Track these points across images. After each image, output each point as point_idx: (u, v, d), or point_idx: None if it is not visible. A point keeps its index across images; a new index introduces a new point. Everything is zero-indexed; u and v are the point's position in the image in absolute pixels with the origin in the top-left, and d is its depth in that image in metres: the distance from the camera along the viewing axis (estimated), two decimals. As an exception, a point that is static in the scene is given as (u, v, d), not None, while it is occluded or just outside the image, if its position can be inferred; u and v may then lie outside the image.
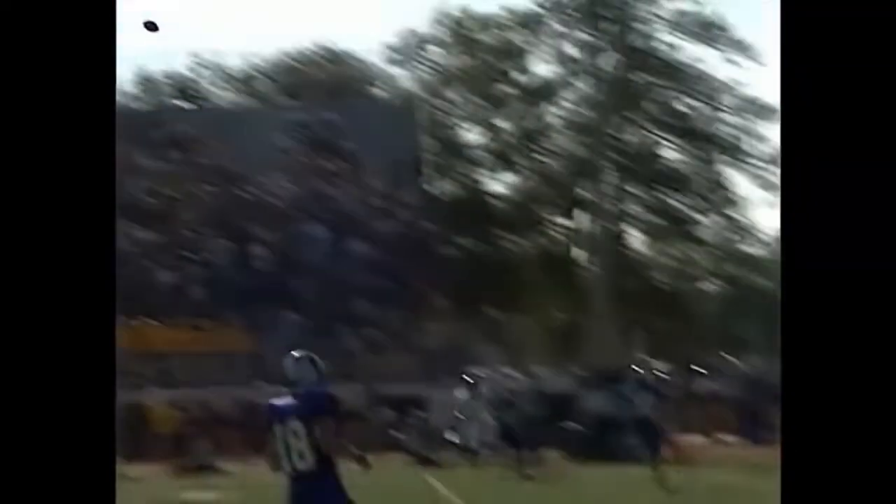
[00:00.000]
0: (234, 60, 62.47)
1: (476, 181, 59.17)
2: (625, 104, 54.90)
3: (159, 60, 76.79)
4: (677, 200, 57.16)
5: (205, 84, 60.97)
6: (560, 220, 58.65)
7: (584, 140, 54.89)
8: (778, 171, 48.13)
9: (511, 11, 56.68)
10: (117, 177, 6.85)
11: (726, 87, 55.53)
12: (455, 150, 57.99)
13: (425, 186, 44.98)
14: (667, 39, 55.65)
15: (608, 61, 54.90)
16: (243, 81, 61.25)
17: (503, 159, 58.01)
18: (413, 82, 57.98)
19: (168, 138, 44.00)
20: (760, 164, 55.68)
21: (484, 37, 57.42)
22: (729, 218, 56.96)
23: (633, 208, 57.40)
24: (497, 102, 57.52)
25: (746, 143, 55.92)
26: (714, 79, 55.55)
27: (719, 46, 54.96)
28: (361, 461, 8.51)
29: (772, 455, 24.61)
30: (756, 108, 55.48)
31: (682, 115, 56.37)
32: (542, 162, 57.68)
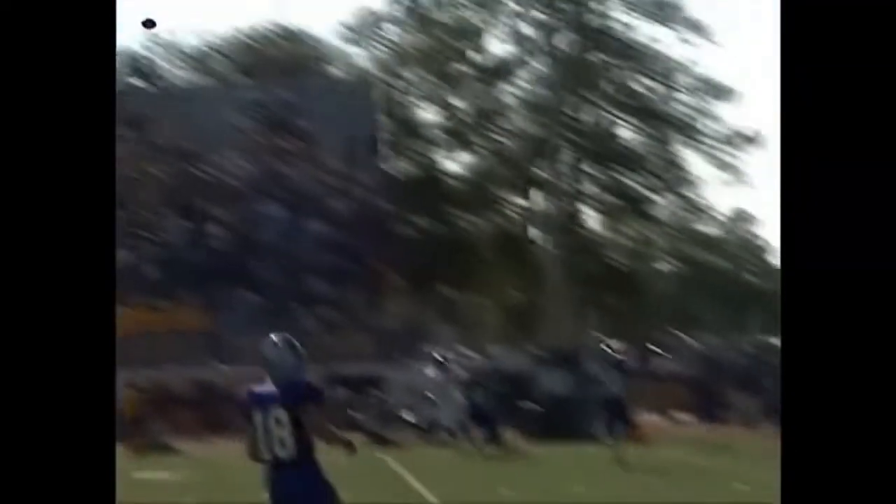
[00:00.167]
0: (190, 39, 62.10)
1: (432, 160, 59.11)
2: (580, 84, 54.96)
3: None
4: (633, 180, 57.30)
5: (160, 62, 60.59)
6: (516, 199, 58.69)
7: (540, 120, 54.92)
8: (732, 150, 48.62)
9: (467, -10, 56.61)
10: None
11: (682, 67, 55.68)
12: (411, 129, 57.89)
13: (381, 165, 44.88)
14: (622, 19, 55.75)
15: (564, 41, 54.92)
16: (199, 60, 60.89)
17: (459, 139, 57.96)
18: (369, 61, 57.81)
19: (123, 117, 43.71)
20: (715, 143, 55.90)
21: (440, 16, 57.30)
22: (684, 197, 57.17)
23: (589, 188, 57.50)
24: (453, 82, 57.44)
25: (702, 123, 56.11)
26: (669, 58, 55.69)
27: (674, 26, 55.10)
28: (348, 446, 8.45)
29: (727, 433, 24.86)
30: (711, 88, 55.67)
31: (638, 95, 56.47)
32: (498, 141, 57.66)
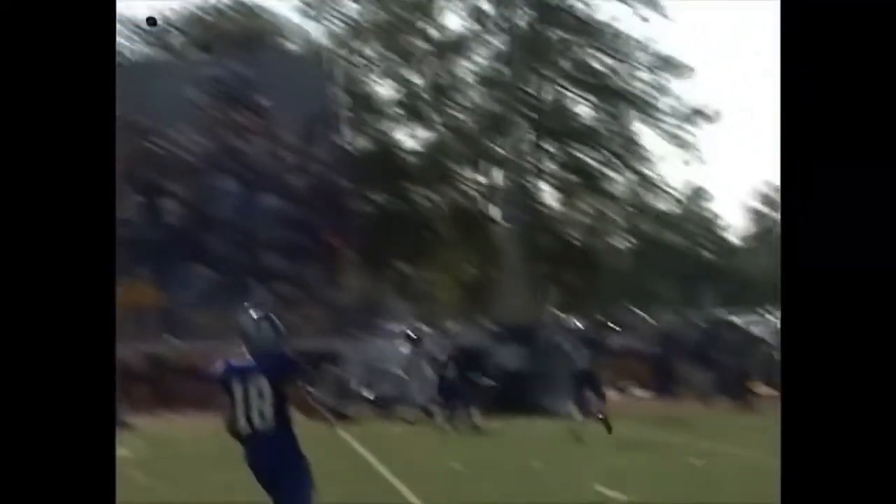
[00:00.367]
0: (144, 12, 61.62)
1: (389, 136, 58.96)
2: (538, 60, 54.88)
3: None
4: (590, 157, 57.36)
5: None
6: (473, 175, 58.64)
7: (497, 96, 54.79)
8: (689, 127, 48.70)
9: (425, -35, 56.40)
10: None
11: (640, 44, 55.72)
12: (368, 104, 57.68)
13: (338, 141, 44.69)
14: (580, -4, 55.70)
15: (522, 17, 54.81)
16: (154, 34, 60.41)
17: (416, 114, 57.83)
18: (326, 36, 57.54)
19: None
20: (673, 120, 56.03)
21: (397, -9, 57.10)
22: (642, 174, 57.29)
23: (547, 164, 57.52)
24: (410, 57, 57.26)
25: (659, 100, 56.20)
26: (628, 35, 55.72)
27: (630, 2, 55.10)
28: (326, 420, 8.64)
29: (682, 408, 24.95)
30: (669, 66, 55.75)
31: (596, 72, 56.47)
32: (455, 117, 57.57)
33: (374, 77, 58.16)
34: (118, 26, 59.54)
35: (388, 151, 57.56)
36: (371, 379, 28.55)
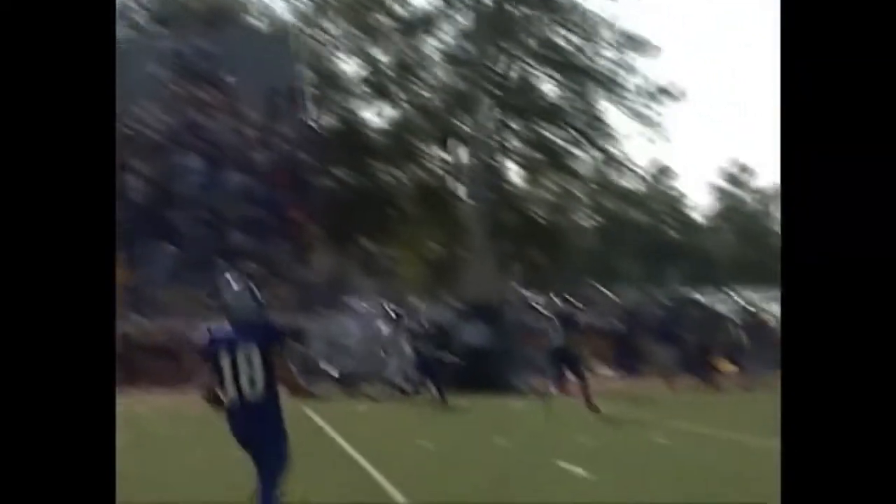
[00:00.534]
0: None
1: (354, 113, 58.83)
2: (503, 37, 54.84)
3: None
4: (556, 134, 57.41)
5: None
6: (439, 153, 58.62)
7: (463, 73, 54.75)
8: (653, 105, 48.71)
9: (389, -59, 56.24)
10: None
11: (605, 22, 55.76)
12: (332, 81, 57.53)
13: (302, 118, 44.57)
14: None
15: (487, -6, 54.74)
16: (116, 10, 60.02)
17: (382, 92, 57.71)
18: (290, 12, 57.35)
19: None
20: (637, 98, 56.12)
21: (362, -33, 56.91)
22: (607, 152, 57.38)
23: (512, 142, 57.55)
24: (375, 34, 57.10)
25: (625, 78, 56.27)
26: (593, 13, 55.75)
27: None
28: (303, 392, 8.94)
29: (646, 386, 25.03)
30: (635, 44, 55.81)
31: (561, 49, 56.47)
32: (419, 94, 57.49)
33: (339, 54, 58.01)
34: None
35: (353, 129, 57.45)
36: (336, 356, 28.54)
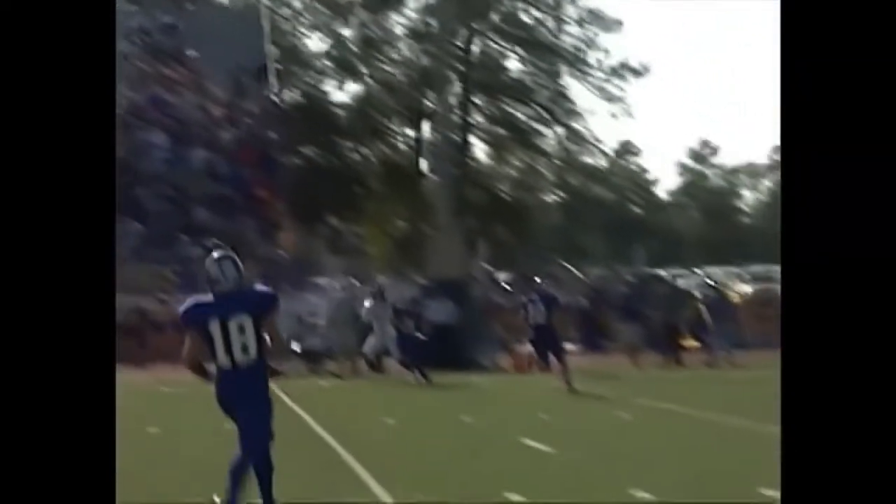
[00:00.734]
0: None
1: (320, 90, 58.68)
2: (469, 14, 54.78)
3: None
4: (519, 111, 57.44)
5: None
6: (404, 129, 58.57)
7: (428, 49, 54.69)
8: (618, 82, 48.71)
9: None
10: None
11: (569, -1, 55.79)
12: (299, 58, 57.35)
13: (268, 94, 44.43)
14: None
15: (452, -30, 54.61)
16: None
17: (346, 68, 57.57)
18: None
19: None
20: (602, 75, 56.19)
21: (328, -57, 56.70)
22: (570, 128, 57.45)
23: (476, 118, 57.54)
24: (341, 10, 56.93)
25: (589, 55, 56.33)
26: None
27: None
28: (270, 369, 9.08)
29: (610, 362, 25.10)
30: (598, 19, 55.86)
31: (525, 25, 56.47)
32: (386, 71, 57.38)
33: (303, 30, 57.84)
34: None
35: (317, 105, 57.32)
36: (302, 334, 28.52)
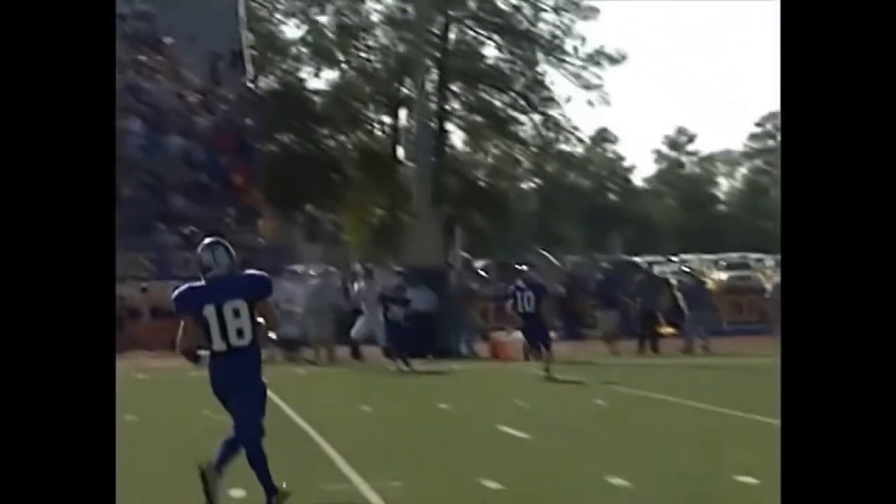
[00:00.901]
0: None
1: (296, 77, 58.57)
2: (446, 2, 54.73)
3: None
4: (496, 98, 57.43)
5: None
6: (381, 117, 58.52)
7: (405, 37, 54.63)
8: (596, 69, 48.62)
9: None
10: None
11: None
12: (275, 44, 57.22)
13: (244, 81, 44.30)
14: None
15: (429, -43, 54.55)
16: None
17: (323, 55, 57.47)
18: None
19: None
20: (579, 62, 56.21)
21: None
22: (548, 116, 57.47)
23: (454, 106, 57.52)
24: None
25: (565, 42, 56.33)
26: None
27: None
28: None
29: (587, 349, 25.13)
30: (575, 7, 55.85)
31: (503, 14, 56.44)
32: (362, 58, 57.30)
33: (279, 16, 57.69)
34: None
35: (294, 92, 57.21)
36: (280, 321, 28.41)
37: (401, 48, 55.30)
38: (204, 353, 9.08)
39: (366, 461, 11.72)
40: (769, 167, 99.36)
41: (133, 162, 38.55)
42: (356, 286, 27.63)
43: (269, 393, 9.50)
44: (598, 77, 56.28)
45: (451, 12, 55.48)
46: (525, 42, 56.34)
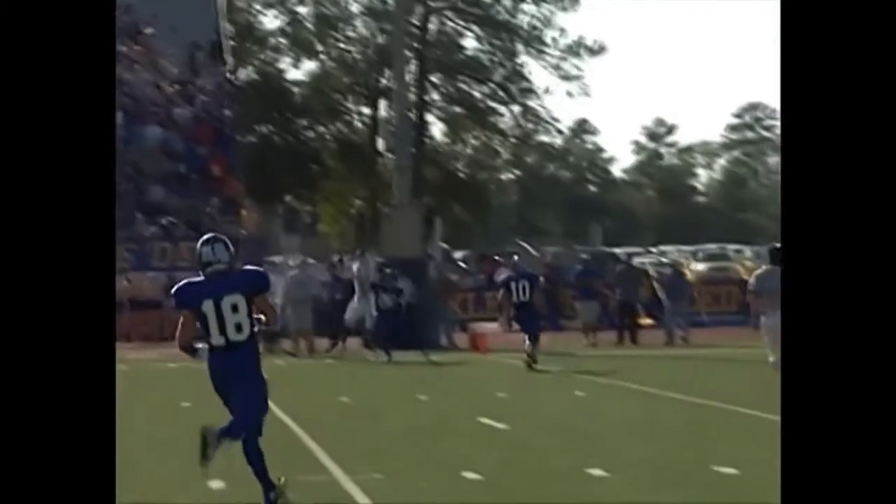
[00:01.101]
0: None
1: (275, 67, 58.46)
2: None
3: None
4: (476, 89, 57.40)
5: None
6: (360, 108, 58.44)
7: (384, 28, 54.55)
8: (575, 60, 48.57)
9: None
10: None
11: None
12: (254, 35, 57.10)
13: (224, 72, 44.18)
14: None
15: (409, -52, 54.47)
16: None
17: (303, 46, 57.36)
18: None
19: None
20: (559, 53, 56.21)
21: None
22: (527, 108, 57.46)
23: (434, 97, 57.48)
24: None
25: (546, 33, 56.32)
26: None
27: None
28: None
29: (566, 340, 25.12)
30: (556, -1, 55.83)
31: (482, 4, 56.39)
32: (342, 49, 57.21)
33: (258, 6, 57.55)
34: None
35: (273, 83, 57.09)
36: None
37: (380, 39, 55.23)
38: (201, 345, 9.13)
39: (345, 453, 11.72)
40: (748, 158, 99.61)
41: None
42: (354, 267, 27.60)
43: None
44: (578, 68, 56.32)
45: (430, 3, 55.42)
46: (505, 33, 56.31)
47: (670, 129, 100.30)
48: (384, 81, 54.93)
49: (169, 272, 33.12)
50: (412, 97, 51.97)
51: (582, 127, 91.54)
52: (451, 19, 56.70)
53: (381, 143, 56.91)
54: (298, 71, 58.83)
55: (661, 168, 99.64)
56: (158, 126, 39.76)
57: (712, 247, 52.79)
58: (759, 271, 16.39)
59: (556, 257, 41.32)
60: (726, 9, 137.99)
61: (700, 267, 42.04)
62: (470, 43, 57.43)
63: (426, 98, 56.27)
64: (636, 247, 51.21)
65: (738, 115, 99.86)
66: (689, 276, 33.56)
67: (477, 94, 57.47)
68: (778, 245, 21.50)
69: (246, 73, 54.99)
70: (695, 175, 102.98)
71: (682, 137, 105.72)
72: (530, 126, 58.61)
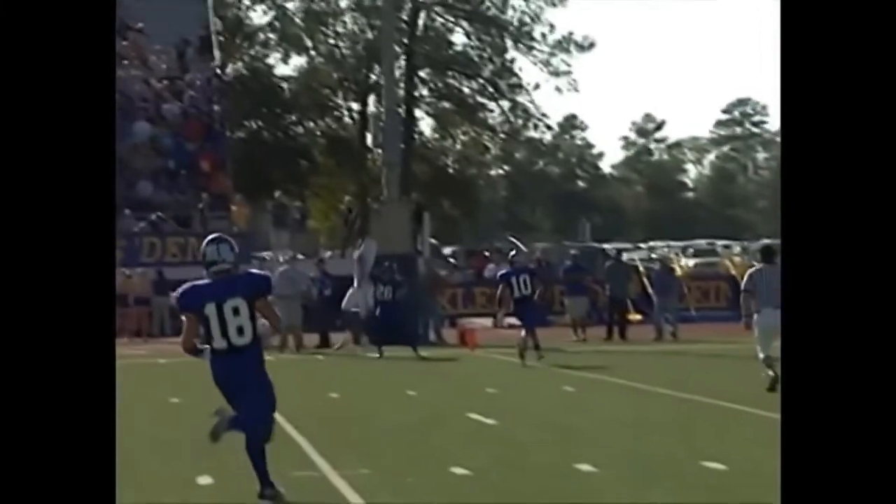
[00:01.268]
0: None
1: (264, 63, 58.39)
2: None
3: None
4: (465, 85, 57.36)
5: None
6: (349, 103, 58.38)
7: (373, 23, 54.47)
8: (564, 56, 48.58)
9: None
10: None
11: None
12: (243, 30, 57.02)
13: (213, 68, 44.13)
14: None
15: (398, -57, 54.43)
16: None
17: (291, 41, 57.28)
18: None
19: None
20: (548, 49, 56.19)
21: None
22: (516, 103, 57.43)
23: (422, 93, 57.44)
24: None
25: (535, 29, 56.30)
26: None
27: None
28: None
29: (555, 336, 25.11)
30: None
31: (472, 0, 56.34)
32: (330, 44, 57.14)
33: (247, 2, 57.46)
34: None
35: (262, 78, 57.02)
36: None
37: (369, 34, 55.14)
38: (204, 346, 9.17)
39: (334, 448, 11.73)
40: (737, 154, 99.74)
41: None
42: (356, 253, 27.61)
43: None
44: (567, 64, 56.32)
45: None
46: (494, 28, 56.26)
47: (659, 125, 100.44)
48: (373, 77, 54.83)
49: (157, 268, 33.15)
50: (401, 93, 51.92)
51: (571, 123, 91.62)
52: (440, 15, 56.65)
53: (370, 139, 56.81)
54: (287, 66, 58.81)
55: (650, 164, 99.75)
56: (147, 122, 39.72)
57: (701, 242, 52.92)
58: (752, 270, 16.42)
59: (545, 253, 41.38)
60: (716, 5, 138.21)
61: (689, 262, 42.13)
62: (459, 38, 57.43)
63: (415, 94, 56.21)
64: (625, 242, 51.31)
65: (726, 111, 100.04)
66: (677, 271, 33.61)
67: (466, 90, 57.44)
68: (769, 242, 21.59)
69: (235, 69, 54.91)
70: (684, 171, 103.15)
71: (671, 133, 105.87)
72: (519, 122, 58.57)
